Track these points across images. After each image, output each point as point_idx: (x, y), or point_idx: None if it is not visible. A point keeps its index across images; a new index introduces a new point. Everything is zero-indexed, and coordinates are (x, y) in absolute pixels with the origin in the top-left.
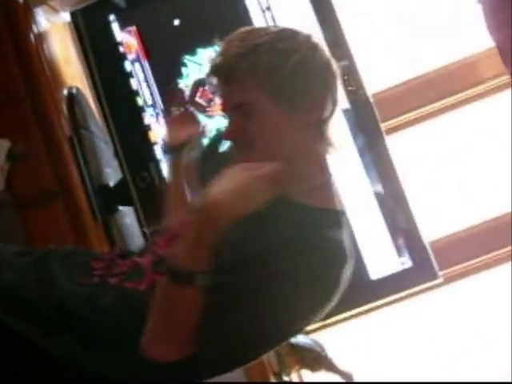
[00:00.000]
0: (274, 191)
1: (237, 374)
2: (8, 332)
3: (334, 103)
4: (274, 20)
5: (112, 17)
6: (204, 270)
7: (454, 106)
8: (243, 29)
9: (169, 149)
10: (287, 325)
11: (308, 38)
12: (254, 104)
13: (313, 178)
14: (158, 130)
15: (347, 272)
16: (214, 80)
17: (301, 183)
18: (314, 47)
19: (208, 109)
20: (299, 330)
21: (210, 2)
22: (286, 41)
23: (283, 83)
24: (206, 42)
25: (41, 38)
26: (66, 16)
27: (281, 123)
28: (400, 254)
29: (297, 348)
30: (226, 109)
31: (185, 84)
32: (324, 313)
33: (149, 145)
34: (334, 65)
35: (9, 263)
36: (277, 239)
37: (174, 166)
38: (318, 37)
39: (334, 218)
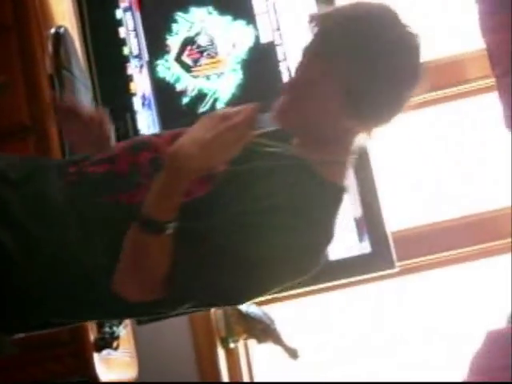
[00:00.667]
0: (249, 135)
1: (183, 337)
2: None
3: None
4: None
5: None
6: (173, 218)
7: (435, 102)
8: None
9: None
10: (259, 285)
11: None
12: (314, 74)
13: (336, 153)
14: (140, 82)
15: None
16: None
17: (324, 155)
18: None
19: (193, 69)
20: (265, 293)
21: None
22: (403, 58)
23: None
24: (201, 2)
25: None
26: None
27: (331, 111)
28: (361, 239)
29: (247, 317)
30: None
31: (173, 41)
32: (294, 284)
33: (128, 95)
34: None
35: None
36: (283, 199)
37: None
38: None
39: (340, 195)
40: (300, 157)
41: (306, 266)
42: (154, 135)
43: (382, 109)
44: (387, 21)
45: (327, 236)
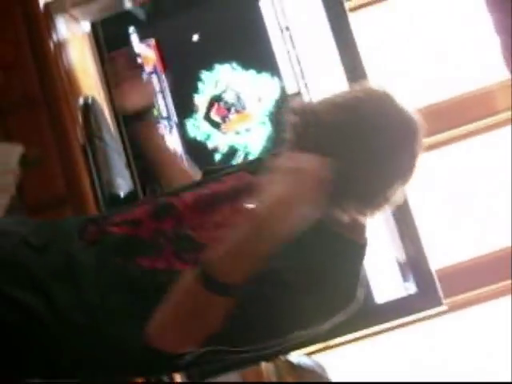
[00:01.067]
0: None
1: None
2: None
3: None
4: (291, 40)
5: (132, 29)
6: (241, 283)
7: (465, 136)
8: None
9: (133, 115)
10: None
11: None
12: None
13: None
14: (171, 142)
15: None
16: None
17: (344, 215)
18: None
19: (222, 125)
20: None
21: (229, 19)
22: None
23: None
24: (224, 59)
25: (60, 45)
26: (86, 26)
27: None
28: (405, 279)
29: (298, 368)
30: None
31: (200, 99)
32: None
33: None
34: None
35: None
36: (313, 265)
37: (147, 132)
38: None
39: (363, 253)
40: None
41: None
42: (174, 197)
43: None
44: (385, 117)
45: (349, 296)
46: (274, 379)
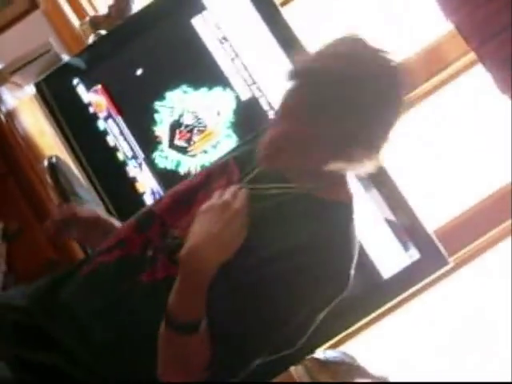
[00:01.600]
0: (247, 218)
1: None
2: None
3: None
4: (232, 49)
5: (76, 80)
6: (203, 314)
7: (425, 95)
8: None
9: None
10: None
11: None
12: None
13: (330, 174)
14: (144, 179)
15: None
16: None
17: (320, 180)
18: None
19: (189, 149)
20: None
21: (167, 45)
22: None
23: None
24: (173, 85)
25: (10, 115)
26: (30, 89)
27: (322, 162)
28: (406, 247)
29: (327, 364)
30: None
31: (161, 130)
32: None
33: (138, 196)
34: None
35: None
36: (299, 236)
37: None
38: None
39: (350, 212)
40: (297, 189)
41: (339, 287)
42: (154, 204)
43: (370, 149)
44: (369, 64)
45: (350, 255)
46: (306, 380)
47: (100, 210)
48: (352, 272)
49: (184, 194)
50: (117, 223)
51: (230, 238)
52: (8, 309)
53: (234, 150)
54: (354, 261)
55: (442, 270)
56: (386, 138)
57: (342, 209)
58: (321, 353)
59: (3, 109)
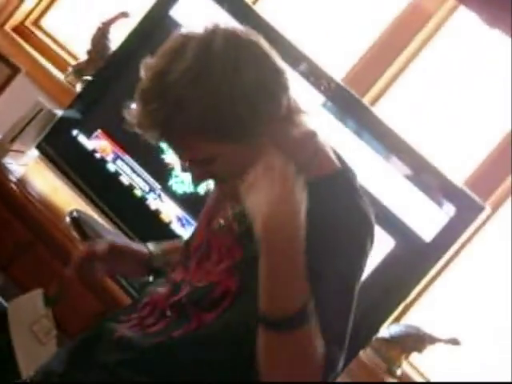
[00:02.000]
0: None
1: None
2: None
3: (285, 90)
4: None
5: (75, 131)
6: (306, 300)
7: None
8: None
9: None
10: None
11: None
12: (204, 154)
13: (301, 154)
14: (167, 209)
15: (372, 236)
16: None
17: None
18: (231, 62)
19: None
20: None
21: None
22: (200, 80)
23: (221, 121)
24: None
25: (21, 183)
26: (33, 152)
27: (239, 153)
28: (440, 205)
29: (394, 340)
30: (184, 162)
31: (170, 156)
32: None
33: (165, 227)
34: (267, 60)
35: None
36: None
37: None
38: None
39: (345, 180)
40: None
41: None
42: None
43: (242, 111)
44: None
45: (366, 220)
46: (378, 361)
47: (118, 238)
48: (368, 243)
49: (202, 249)
50: (134, 245)
51: (299, 195)
52: (49, 375)
53: None
54: (369, 232)
55: (482, 217)
56: (273, 94)
57: (339, 178)
58: (385, 330)
59: (13, 178)
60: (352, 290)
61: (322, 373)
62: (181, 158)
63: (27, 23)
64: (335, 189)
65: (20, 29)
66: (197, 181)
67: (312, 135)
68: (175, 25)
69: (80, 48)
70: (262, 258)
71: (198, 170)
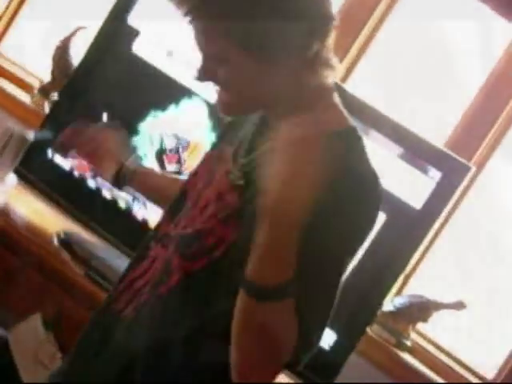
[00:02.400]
0: None
1: (363, 369)
2: None
3: (322, 35)
4: (184, 59)
5: (49, 152)
6: (290, 277)
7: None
8: None
9: (115, 181)
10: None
11: None
12: (218, 50)
13: (313, 102)
14: (154, 215)
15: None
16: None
17: (302, 117)
18: None
19: (182, 168)
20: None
21: (119, 81)
22: None
23: (250, 29)
24: (140, 115)
25: (4, 211)
26: (12, 178)
27: (255, 73)
28: (424, 171)
29: (399, 311)
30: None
31: (149, 163)
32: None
33: None
34: None
35: None
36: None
37: (139, 187)
38: None
39: (358, 138)
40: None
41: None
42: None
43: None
44: None
45: (374, 178)
46: (386, 335)
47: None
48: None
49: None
50: None
51: (311, 174)
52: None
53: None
54: (379, 181)
55: (468, 177)
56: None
57: (342, 136)
58: (389, 304)
59: None
60: (341, 261)
61: (295, 348)
62: (198, 45)
63: None
64: (348, 143)
65: None
66: (202, 75)
67: (329, 90)
68: (134, 32)
69: (42, 69)
70: (262, 228)
71: (209, 65)
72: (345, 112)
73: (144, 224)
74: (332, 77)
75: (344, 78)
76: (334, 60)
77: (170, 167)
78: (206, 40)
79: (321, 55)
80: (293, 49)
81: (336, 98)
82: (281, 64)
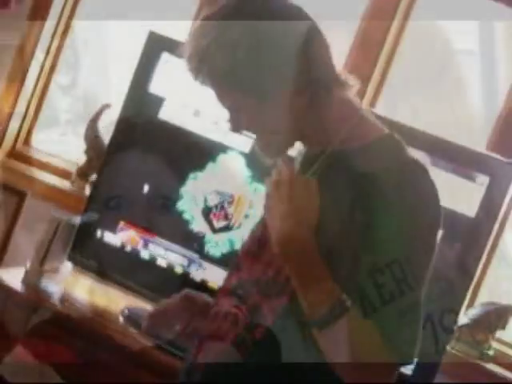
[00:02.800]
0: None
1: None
2: None
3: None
4: (213, 116)
5: (99, 232)
6: (340, 293)
7: None
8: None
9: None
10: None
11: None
12: (233, 104)
13: (342, 121)
14: (212, 275)
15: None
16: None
17: (333, 134)
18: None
19: (231, 223)
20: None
21: (154, 150)
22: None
23: (250, 79)
24: (181, 180)
25: (65, 300)
26: (67, 265)
27: (264, 112)
28: (472, 179)
29: (476, 323)
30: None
31: (196, 224)
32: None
33: (216, 293)
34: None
35: None
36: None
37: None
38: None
39: (396, 141)
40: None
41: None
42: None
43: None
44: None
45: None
46: (471, 351)
47: None
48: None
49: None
50: None
51: (303, 201)
52: None
53: None
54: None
55: None
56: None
57: (386, 143)
58: (464, 318)
59: (55, 300)
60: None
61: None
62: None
63: (18, 145)
64: (386, 147)
65: (13, 153)
66: (233, 126)
67: (354, 104)
68: (157, 100)
69: (76, 153)
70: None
71: (234, 116)
72: (379, 123)
73: (203, 285)
74: (351, 93)
75: None
76: (345, 76)
77: (219, 224)
78: (217, 96)
79: (338, 77)
80: (281, 81)
81: (363, 111)
82: (287, 99)
